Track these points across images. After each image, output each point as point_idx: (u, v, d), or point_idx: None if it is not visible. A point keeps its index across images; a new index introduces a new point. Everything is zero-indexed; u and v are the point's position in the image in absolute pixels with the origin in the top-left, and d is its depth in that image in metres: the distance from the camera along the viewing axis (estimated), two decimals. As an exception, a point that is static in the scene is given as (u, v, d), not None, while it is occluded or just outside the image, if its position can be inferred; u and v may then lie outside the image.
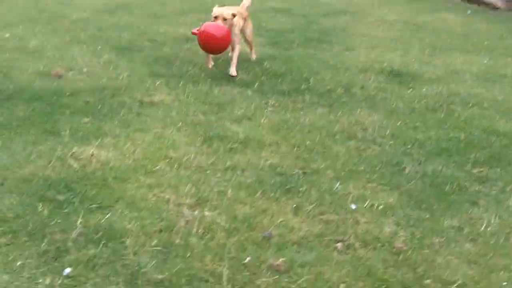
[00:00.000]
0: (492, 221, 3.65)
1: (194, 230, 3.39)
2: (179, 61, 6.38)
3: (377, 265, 3.19)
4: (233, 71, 6.01)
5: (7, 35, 7.11)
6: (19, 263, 3.02)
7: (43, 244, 3.16)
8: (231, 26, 5.99)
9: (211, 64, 6.31)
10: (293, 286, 2.98)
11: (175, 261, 3.12)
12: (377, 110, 5.41)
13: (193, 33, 6.03)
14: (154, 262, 3.10)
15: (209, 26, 5.87)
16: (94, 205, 3.56)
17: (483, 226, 3.59)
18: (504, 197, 3.98)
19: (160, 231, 3.37)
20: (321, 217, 3.60)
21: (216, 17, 5.87)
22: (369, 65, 6.76)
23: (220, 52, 6.08)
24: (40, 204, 3.51)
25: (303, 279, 3.02)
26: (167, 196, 3.70)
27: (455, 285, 3.06)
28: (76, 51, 6.54)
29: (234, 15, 5.98)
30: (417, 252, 3.32)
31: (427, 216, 3.70)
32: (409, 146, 4.68)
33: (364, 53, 7.28)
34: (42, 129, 4.48)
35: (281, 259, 3.15)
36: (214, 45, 5.85)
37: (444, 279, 3.10)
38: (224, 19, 5.88)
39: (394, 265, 3.21)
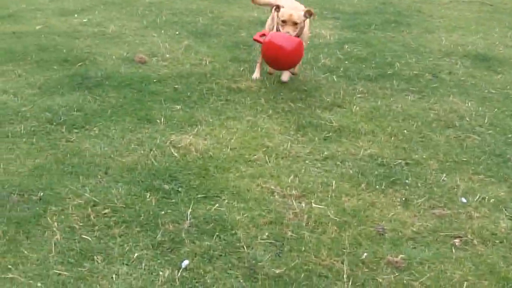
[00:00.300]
0: None
1: (304, 223, 3.33)
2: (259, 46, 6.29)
3: (498, 262, 3.07)
4: (285, 77, 5.23)
5: (85, 20, 7.15)
6: (136, 254, 3.02)
7: (158, 235, 3.16)
8: (303, 29, 4.90)
9: (258, 73, 5.35)
10: (416, 284, 2.89)
11: (290, 255, 3.07)
12: (470, 97, 5.22)
13: (255, 40, 5.02)
14: (269, 255, 3.06)
15: (275, 35, 4.82)
16: (200, 195, 3.54)
17: None
18: None
19: (270, 223, 3.32)
20: (433, 211, 3.49)
21: (284, 21, 4.76)
22: (452, 49, 6.54)
23: (289, 68, 5.08)
24: (148, 194, 3.51)
25: (425, 277, 2.93)
26: (271, 187, 3.65)
27: None
28: (155, 36, 6.52)
29: (308, 14, 4.86)
30: (539, 249, 3.18)
31: (541, 211, 3.56)
32: (509, 136, 4.51)
33: (445, 36, 7.04)
34: (137, 117, 4.48)
35: (400, 256, 3.06)
36: (282, 59, 4.79)
37: None
38: (295, 24, 4.76)
39: (516, 263, 3.09)
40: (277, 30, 4.90)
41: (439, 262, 3.06)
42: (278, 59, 4.81)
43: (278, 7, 4.89)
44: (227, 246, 3.11)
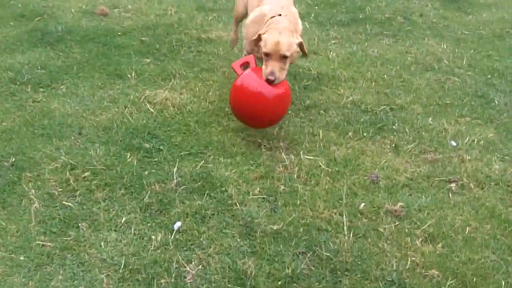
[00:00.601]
0: None
1: (295, 175, 3.20)
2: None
3: (497, 205, 3.02)
4: None
5: (35, -28, 6.69)
6: (123, 219, 2.84)
7: (144, 197, 2.98)
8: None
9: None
10: (418, 232, 2.82)
11: (286, 210, 2.94)
12: (444, 39, 5.13)
13: (234, 69, 3.52)
14: (264, 211, 2.93)
15: (250, 78, 3.33)
16: (183, 153, 3.35)
17: None
18: None
19: (261, 177, 3.18)
20: (424, 156, 3.41)
21: (267, 55, 3.31)
22: (421, -9, 6.41)
23: (269, 125, 3.49)
24: (128, 154, 3.31)
25: (426, 224, 2.85)
26: (257, 140, 3.50)
27: None
28: (114, -14, 6.16)
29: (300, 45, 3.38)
30: (534, 190, 3.15)
31: (531, 150, 3.52)
32: (489, 76, 4.46)
33: (411, -22, 6.90)
34: (106, 72, 4.22)
35: (398, 204, 2.97)
36: (258, 111, 3.29)
37: None
38: (284, 57, 3.29)
39: (514, 205, 3.05)
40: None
41: (438, 208, 2.99)
42: (252, 112, 3.33)
43: (260, 36, 3.39)
44: (219, 205, 2.96)
